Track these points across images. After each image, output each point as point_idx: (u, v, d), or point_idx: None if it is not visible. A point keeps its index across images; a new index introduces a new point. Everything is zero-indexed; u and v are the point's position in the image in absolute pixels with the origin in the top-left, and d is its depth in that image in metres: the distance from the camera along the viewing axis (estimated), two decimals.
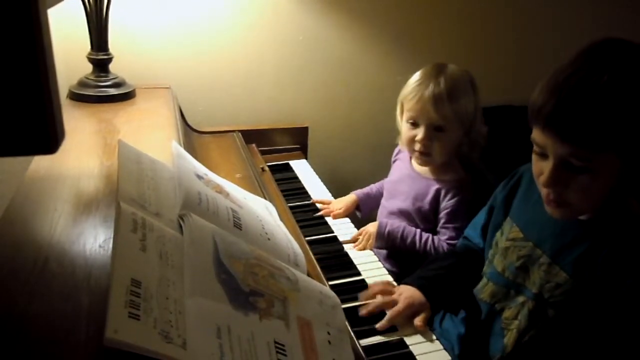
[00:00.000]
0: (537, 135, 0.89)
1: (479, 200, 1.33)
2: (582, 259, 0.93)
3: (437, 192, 1.41)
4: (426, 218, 1.43)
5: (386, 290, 1.11)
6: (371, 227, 1.39)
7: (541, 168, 0.90)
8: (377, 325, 1.03)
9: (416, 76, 1.38)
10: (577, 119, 0.82)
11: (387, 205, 1.53)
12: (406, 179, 1.48)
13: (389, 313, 1.05)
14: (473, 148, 1.40)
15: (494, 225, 1.14)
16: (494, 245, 1.11)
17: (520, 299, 1.03)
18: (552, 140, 0.85)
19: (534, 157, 0.93)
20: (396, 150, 1.58)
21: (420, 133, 1.35)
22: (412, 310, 1.06)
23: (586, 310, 0.94)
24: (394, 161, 1.59)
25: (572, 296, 0.94)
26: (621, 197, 0.93)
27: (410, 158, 1.49)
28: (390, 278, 1.21)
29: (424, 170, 1.45)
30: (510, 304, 1.05)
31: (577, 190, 0.87)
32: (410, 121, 1.37)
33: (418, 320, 1.05)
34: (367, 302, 1.08)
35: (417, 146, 1.37)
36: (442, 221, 1.40)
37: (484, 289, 1.10)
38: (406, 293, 1.09)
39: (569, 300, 0.95)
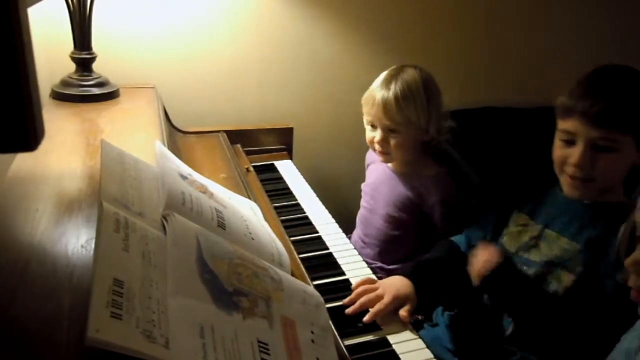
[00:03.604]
0: (570, 125, 1.08)
1: (460, 191, 1.44)
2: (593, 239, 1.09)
3: (418, 189, 1.46)
4: (412, 212, 1.48)
5: (369, 289, 1.11)
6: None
7: (566, 154, 1.10)
8: (364, 319, 1.04)
9: (376, 81, 1.45)
10: (610, 109, 1.04)
11: (369, 208, 1.55)
12: (386, 180, 1.52)
13: (375, 307, 1.06)
14: (437, 142, 1.47)
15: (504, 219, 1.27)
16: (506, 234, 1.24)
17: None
18: (585, 127, 1.05)
19: (559, 144, 1.12)
20: (368, 154, 1.63)
21: (377, 135, 1.44)
22: (397, 303, 1.08)
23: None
24: (368, 165, 1.64)
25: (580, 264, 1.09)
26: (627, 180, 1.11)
27: None
28: (373, 277, 1.21)
29: (400, 170, 1.51)
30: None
31: (602, 166, 1.07)
32: (369, 124, 1.46)
33: (403, 311, 1.06)
34: (352, 302, 1.08)
35: (376, 147, 1.46)
36: (440, 224, 1.45)
37: None
38: (391, 286, 1.10)
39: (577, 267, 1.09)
